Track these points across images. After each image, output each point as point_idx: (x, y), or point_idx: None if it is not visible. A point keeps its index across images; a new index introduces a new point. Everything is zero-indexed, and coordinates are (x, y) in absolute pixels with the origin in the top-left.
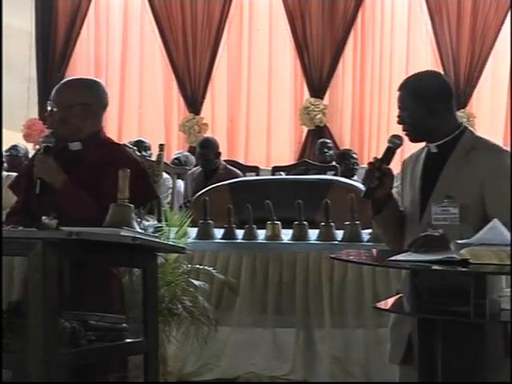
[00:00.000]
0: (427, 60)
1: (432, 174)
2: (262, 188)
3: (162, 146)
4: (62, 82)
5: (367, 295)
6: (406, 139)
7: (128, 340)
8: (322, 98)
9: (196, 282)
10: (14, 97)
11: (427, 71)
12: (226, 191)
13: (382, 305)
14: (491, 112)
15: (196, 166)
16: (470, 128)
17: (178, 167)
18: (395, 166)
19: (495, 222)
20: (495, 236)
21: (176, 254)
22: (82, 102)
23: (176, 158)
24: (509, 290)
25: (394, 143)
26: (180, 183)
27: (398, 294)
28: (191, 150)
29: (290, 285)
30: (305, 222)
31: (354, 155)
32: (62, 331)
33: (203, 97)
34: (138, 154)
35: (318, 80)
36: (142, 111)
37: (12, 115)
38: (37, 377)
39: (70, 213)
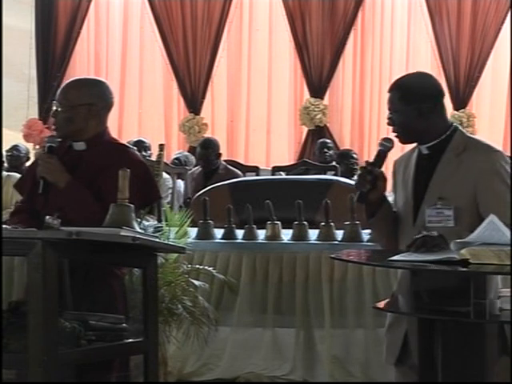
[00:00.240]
0: (427, 60)
1: (424, 175)
2: (261, 188)
3: (162, 146)
4: (67, 81)
5: (367, 295)
6: (396, 141)
7: (128, 340)
8: (322, 98)
9: (196, 282)
10: (13, 97)
11: (417, 73)
12: (225, 191)
13: (381, 305)
14: (491, 112)
15: (196, 166)
16: (461, 128)
17: (178, 167)
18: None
19: (492, 218)
20: (494, 232)
21: (176, 254)
22: (86, 102)
23: (176, 158)
24: (507, 289)
25: (385, 146)
26: (180, 183)
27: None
28: (191, 150)
29: (290, 285)
30: (305, 222)
31: (354, 155)
32: (62, 331)
33: (203, 97)
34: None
35: (318, 80)
36: (141, 111)
37: (12, 115)
38: (37, 377)
39: (73, 213)
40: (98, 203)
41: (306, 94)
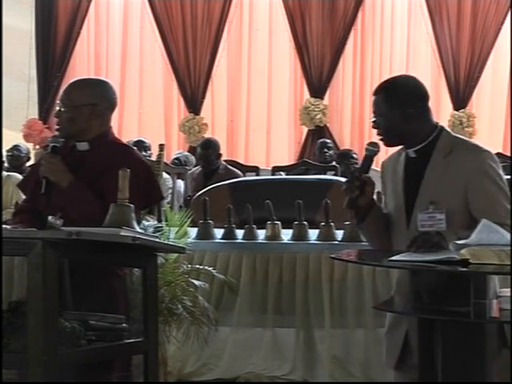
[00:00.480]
0: (427, 60)
1: (414, 179)
2: (261, 188)
3: (162, 146)
4: (71, 82)
5: (367, 295)
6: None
7: (128, 340)
8: (322, 98)
9: (196, 282)
10: (13, 97)
11: (402, 76)
12: (225, 191)
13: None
14: (491, 112)
15: (196, 166)
16: (447, 128)
17: (178, 167)
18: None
19: (485, 221)
20: (492, 234)
21: (176, 254)
22: (90, 102)
23: (176, 158)
24: (507, 289)
25: (371, 151)
26: (180, 183)
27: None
28: (191, 150)
29: (290, 285)
30: (305, 222)
31: (354, 155)
32: (62, 331)
33: (203, 97)
34: (141, 154)
35: (318, 80)
36: (142, 111)
37: (12, 115)
38: (37, 377)
39: (76, 213)
40: (101, 203)
41: (306, 94)
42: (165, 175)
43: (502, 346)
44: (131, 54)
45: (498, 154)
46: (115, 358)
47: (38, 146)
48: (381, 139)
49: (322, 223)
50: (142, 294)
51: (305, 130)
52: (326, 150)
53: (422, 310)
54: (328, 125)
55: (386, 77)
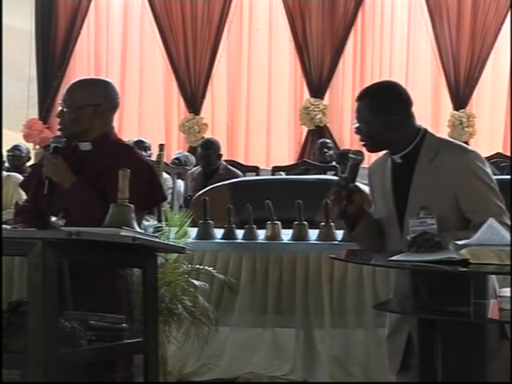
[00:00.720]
0: (427, 60)
1: (402, 185)
2: (261, 188)
3: (162, 146)
4: (73, 82)
5: (367, 295)
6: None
7: (128, 340)
8: (322, 98)
9: (196, 282)
10: (14, 97)
11: (384, 82)
12: (226, 191)
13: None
14: (491, 112)
15: (196, 166)
16: (430, 130)
17: (178, 167)
18: None
19: (492, 222)
20: (494, 235)
21: (176, 254)
22: (92, 102)
23: (176, 158)
24: (507, 289)
25: (356, 160)
26: (180, 183)
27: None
28: (191, 150)
29: (290, 285)
30: (305, 222)
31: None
32: (62, 331)
33: (203, 97)
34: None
35: (318, 80)
36: (142, 111)
37: (12, 115)
38: (37, 377)
39: (78, 213)
40: (103, 204)
41: (306, 94)
42: (165, 175)
43: (502, 338)
44: (131, 54)
45: (498, 154)
46: (115, 358)
47: (38, 146)
48: (363, 145)
49: (322, 223)
50: (141, 294)
51: (305, 130)
52: (326, 150)
53: (422, 310)
54: (328, 125)
55: (385, 77)
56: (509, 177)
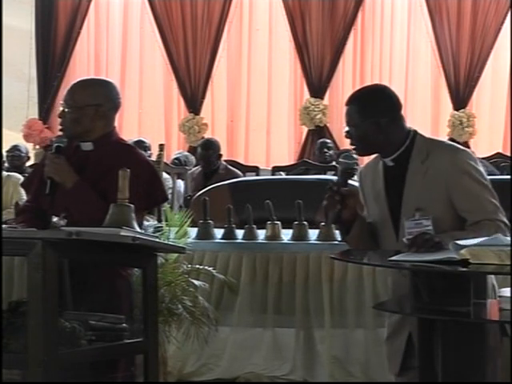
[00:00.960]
0: (427, 60)
1: (395, 188)
2: (261, 188)
3: (162, 146)
4: (74, 82)
5: (367, 295)
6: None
7: (128, 340)
8: (322, 98)
9: (196, 282)
10: (14, 97)
11: (373, 85)
12: (226, 191)
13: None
14: (491, 112)
15: (196, 166)
16: (420, 131)
17: (178, 167)
18: None
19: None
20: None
21: (176, 254)
22: (93, 102)
23: (176, 158)
24: (507, 289)
25: (347, 164)
26: (180, 183)
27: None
28: (191, 150)
29: (290, 285)
30: (305, 222)
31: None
32: (62, 331)
33: (203, 97)
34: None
35: (318, 80)
36: (142, 111)
37: (12, 115)
38: (37, 377)
39: (80, 213)
40: (105, 204)
41: (306, 94)
42: (165, 175)
43: (503, 336)
44: (131, 54)
45: (498, 154)
46: (115, 358)
47: (38, 146)
48: (354, 149)
49: (322, 223)
50: (141, 294)
51: (305, 130)
52: (326, 150)
53: (422, 310)
54: (328, 125)
55: (385, 77)
56: (509, 177)
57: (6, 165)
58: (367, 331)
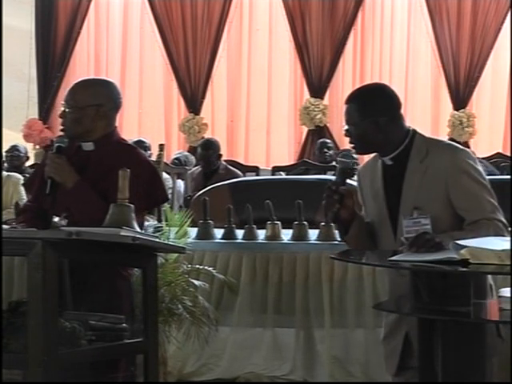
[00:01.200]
0: (427, 60)
1: (394, 187)
2: (261, 188)
3: (161, 146)
4: (75, 82)
5: (367, 295)
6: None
7: (128, 340)
8: (322, 98)
9: (196, 282)
10: (14, 97)
11: (373, 84)
12: (226, 191)
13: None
14: (491, 112)
15: (196, 166)
16: (419, 131)
17: (178, 167)
18: None
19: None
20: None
21: (176, 254)
22: (94, 103)
23: (176, 158)
24: (507, 289)
25: (346, 163)
26: (180, 183)
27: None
28: (191, 150)
29: (290, 285)
30: (305, 222)
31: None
32: (62, 331)
33: (203, 97)
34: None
35: (318, 80)
36: (141, 111)
37: (12, 115)
38: (37, 377)
39: (80, 213)
40: (105, 204)
41: (306, 94)
42: (165, 175)
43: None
44: (131, 54)
45: (498, 154)
46: (115, 358)
47: (37, 146)
48: (353, 147)
49: (322, 223)
50: (141, 294)
51: (305, 130)
52: (326, 150)
53: (421, 310)
54: (328, 125)
55: (385, 77)
56: (509, 177)
57: (6, 165)
58: (367, 331)
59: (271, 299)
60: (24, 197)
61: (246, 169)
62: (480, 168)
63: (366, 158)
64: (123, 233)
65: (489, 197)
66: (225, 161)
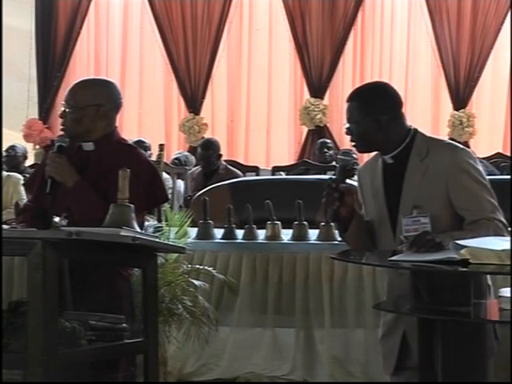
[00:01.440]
0: (427, 60)
1: (394, 185)
2: (261, 188)
3: (161, 146)
4: (75, 82)
5: (367, 295)
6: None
7: (128, 340)
8: (322, 98)
9: (196, 282)
10: (14, 97)
11: (374, 83)
12: (226, 191)
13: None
14: (491, 112)
15: (196, 166)
16: (420, 130)
17: (178, 167)
18: None
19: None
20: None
21: (176, 254)
22: (95, 103)
23: (176, 158)
24: (507, 289)
25: (346, 161)
26: (180, 183)
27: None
28: (191, 150)
29: (290, 285)
30: (305, 222)
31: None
32: (62, 331)
33: (203, 97)
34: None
35: (318, 80)
36: (142, 111)
37: (12, 115)
38: (37, 377)
39: (80, 213)
40: (105, 204)
41: (306, 94)
42: (165, 175)
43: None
44: (131, 54)
45: (498, 154)
46: (115, 358)
47: (37, 146)
48: (354, 146)
49: (322, 223)
50: (141, 294)
51: (305, 130)
52: (326, 150)
53: (421, 310)
54: (328, 125)
55: (386, 77)
56: (509, 177)
57: (4, 165)
58: (367, 331)
59: (271, 299)
60: (24, 197)
61: (246, 169)
62: (480, 168)
63: (366, 157)
64: (123, 233)
65: (489, 197)
66: (225, 161)
